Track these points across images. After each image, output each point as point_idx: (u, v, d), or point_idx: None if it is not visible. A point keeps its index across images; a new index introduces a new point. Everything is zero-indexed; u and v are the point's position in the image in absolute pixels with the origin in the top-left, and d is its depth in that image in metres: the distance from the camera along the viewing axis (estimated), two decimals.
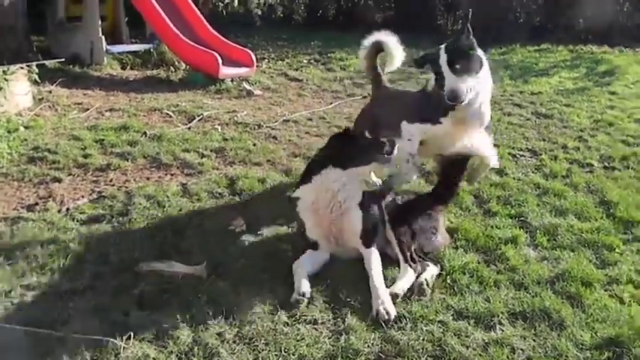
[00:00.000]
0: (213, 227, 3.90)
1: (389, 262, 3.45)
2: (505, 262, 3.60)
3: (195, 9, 9.21)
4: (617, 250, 3.81)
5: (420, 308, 3.06)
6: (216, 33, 8.96)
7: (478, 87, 3.60)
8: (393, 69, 4.60)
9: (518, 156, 5.66)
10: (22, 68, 6.34)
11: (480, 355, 2.74)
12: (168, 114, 6.50)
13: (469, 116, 3.73)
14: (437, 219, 3.79)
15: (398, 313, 3.01)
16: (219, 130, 6.04)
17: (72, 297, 3.08)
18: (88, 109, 6.48)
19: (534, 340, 2.87)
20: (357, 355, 2.71)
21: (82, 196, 4.32)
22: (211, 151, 5.38)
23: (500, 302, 3.15)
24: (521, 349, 2.80)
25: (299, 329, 2.88)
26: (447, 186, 4.03)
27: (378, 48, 4.50)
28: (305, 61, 10.21)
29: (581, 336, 2.91)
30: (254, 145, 5.62)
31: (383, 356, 2.71)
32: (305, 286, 3.12)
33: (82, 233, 3.72)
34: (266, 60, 10.10)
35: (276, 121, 6.41)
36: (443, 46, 3.60)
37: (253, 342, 2.77)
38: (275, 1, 13.11)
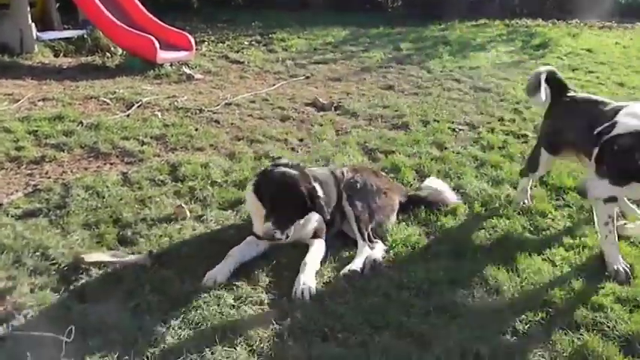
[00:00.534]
0: (156, 215, 3.85)
1: (345, 240, 3.56)
2: (445, 232, 3.72)
3: None
4: (549, 215, 4.01)
5: (364, 282, 3.14)
6: (152, 16, 8.72)
7: None
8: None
9: (457, 130, 5.81)
10: None
11: (422, 323, 2.84)
12: (105, 102, 6.30)
13: None
14: (393, 198, 3.87)
15: (342, 287, 3.08)
16: (160, 116, 5.91)
17: (10, 294, 2.98)
18: (19, 100, 6.20)
19: (473, 306, 3.00)
20: (304, 332, 2.76)
21: (17, 191, 4.16)
22: (152, 138, 5.28)
23: (440, 271, 3.26)
24: (461, 315, 2.92)
25: (245, 311, 2.91)
26: None
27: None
28: (246, 42, 10.08)
29: (517, 299, 3.06)
30: (196, 130, 5.54)
31: (329, 331, 2.77)
32: (221, 276, 3.12)
33: (17, 229, 3.59)
34: (206, 43, 9.91)
35: (217, 105, 6.33)
36: None
37: (199, 326, 2.77)
38: None
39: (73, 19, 9.95)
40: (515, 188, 4.35)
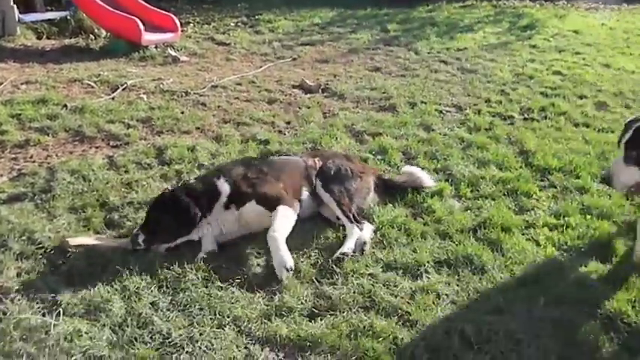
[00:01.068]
0: (142, 199, 3.83)
1: (326, 222, 3.60)
2: (431, 214, 3.75)
3: None
4: (534, 196, 4.05)
5: (351, 263, 3.18)
6: None
7: None
8: None
9: (444, 112, 5.82)
10: None
11: (408, 302, 2.88)
12: (89, 84, 6.23)
13: None
14: (368, 180, 3.89)
15: (330, 269, 3.11)
16: (145, 99, 5.86)
17: None
18: (1, 83, 6.11)
19: (458, 285, 3.05)
20: (291, 312, 2.79)
21: (1, 175, 4.13)
22: (137, 121, 5.24)
23: (426, 252, 3.30)
24: (446, 294, 2.96)
25: (233, 292, 2.93)
26: None
27: None
28: (232, 24, 9.97)
29: (501, 278, 3.11)
30: (182, 112, 5.50)
31: (316, 311, 2.80)
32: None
33: (2, 213, 3.57)
34: (191, 24, 9.79)
35: (204, 88, 6.28)
36: None
37: (187, 308, 2.80)
38: None
39: (57, 1, 9.77)
40: (500, 169, 4.39)
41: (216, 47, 8.46)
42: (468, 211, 3.83)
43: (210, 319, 2.73)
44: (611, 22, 11.08)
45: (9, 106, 5.38)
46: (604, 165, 4.39)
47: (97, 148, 4.70)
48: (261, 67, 7.39)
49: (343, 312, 2.80)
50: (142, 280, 2.97)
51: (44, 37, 8.48)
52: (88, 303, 2.79)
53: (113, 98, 5.84)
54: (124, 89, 6.11)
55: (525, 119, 5.66)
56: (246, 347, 2.57)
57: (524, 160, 4.62)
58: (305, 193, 3.68)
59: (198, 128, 5.19)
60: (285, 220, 3.33)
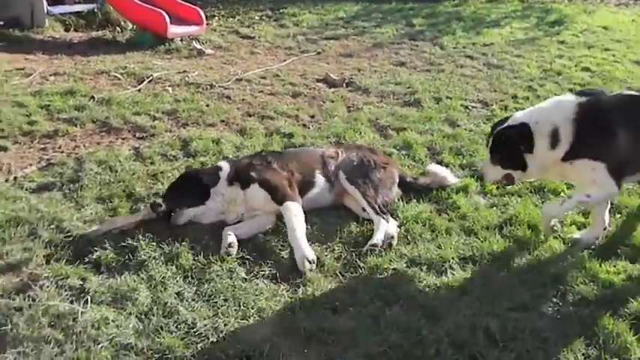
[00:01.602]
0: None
1: (350, 216, 3.60)
2: (456, 210, 3.73)
3: None
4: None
5: (375, 258, 3.17)
6: None
7: None
8: None
9: (470, 107, 5.76)
10: None
11: (432, 298, 2.86)
12: (116, 76, 6.30)
13: None
14: (392, 171, 3.87)
15: (353, 263, 3.11)
16: (171, 91, 5.91)
17: (26, 266, 3.04)
18: (30, 75, 6.22)
19: (483, 282, 3.01)
20: (315, 305, 2.79)
21: (30, 165, 4.21)
22: (163, 113, 5.28)
23: (451, 248, 3.28)
24: (471, 290, 2.93)
25: (257, 284, 2.94)
26: None
27: None
28: (257, 17, 9.99)
29: (527, 275, 3.06)
30: (207, 105, 5.54)
31: (340, 305, 2.79)
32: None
33: (32, 202, 3.64)
34: (216, 18, 9.83)
35: (228, 81, 6.31)
36: None
37: (212, 299, 2.82)
38: None
39: None
40: None
41: (240, 40, 8.49)
42: (494, 207, 3.79)
43: (235, 310, 2.75)
44: None
45: (38, 97, 5.47)
46: None
47: (123, 139, 4.76)
48: (285, 60, 7.39)
49: (367, 306, 2.79)
50: (168, 270, 3.01)
51: (72, 29, 8.60)
52: (115, 291, 2.83)
53: (139, 90, 5.90)
54: (149, 81, 6.17)
55: None
56: (270, 339, 2.57)
57: None
58: (319, 178, 3.71)
59: (223, 121, 5.22)
60: (297, 216, 3.34)
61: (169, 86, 6.07)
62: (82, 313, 2.67)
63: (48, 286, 2.85)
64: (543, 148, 3.18)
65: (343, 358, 2.50)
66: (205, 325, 2.63)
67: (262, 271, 3.05)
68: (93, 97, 5.50)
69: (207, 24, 8.56)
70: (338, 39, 8.65)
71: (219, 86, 6.13)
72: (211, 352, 2.49)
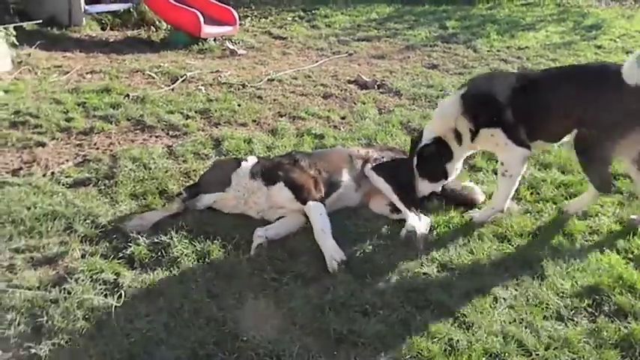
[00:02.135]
0: None
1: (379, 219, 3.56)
2: None
3: None
4: (598, 202, 3.88)
5: (405, 262, 3.14)
6: None
7: None
8: None
9: None
10: None
11: (463, 304, 2.82)
12: (150, 75, 6.40)
13: None
14: None
15: (384, 266, 3.09)
16: (204, 90, 5.97)
17: (62, 259, 3.11)
18: (68, 72, 6.36)
19: (516, 290, 2.96)
20: (345, 307, 2.78)
21: (67, 160, 4.30)
22: (196, 112, 5.34)
23: (483, 254, 3.23)
24: (504, 298, 2.89)
25: (287, 284, 2.94)
26: None
27: None
28: (289, 18, 10.03)
29: (562, 285, 3.00)
30: (239, 105, 5.58)
31: (369, 308, 2.78)
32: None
33: (68, 197, 3.71)
34: (249, 18, 9.90)
35: (260, 81, 6.35)
36: None
37: (242, 297, 2.83)
38: None
39: None
40: (563, 173, 4.25)
41: (273, 41, 8.54)
42: (528, 214, 3.72)
43: (265, 309, 2.76)
44: None
45: (75, 94, 5.59)
46: None
47: (157, 137, 4.83)
48: (317, 61, 7.40)
49: (397, 310, 2.77)
50: (199, 267, 3.03)
51: (108, 28, 8.76)
52: (148, 287, 2.87)
53: (173, 89, 5.98)
54: (183, 81, 6.24)
55: None
56: (299, 339, 2.57)
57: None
58: (346, 176, 3.71)
59: (255, 121, 5.25)
60: (322, 215, 3.34)
61: (202, 85, 6.13)
62: (115, 307, 2.72)
63: (83, 280, 2.91)
64: (456, 148, 3.64)
65: None
66: (235, 323, 2.65)
67: (292, 271, 3.05)
68: (128, 96, 5.60)
69: (240, 24, 8.63)
70: (370, 40, 8.63)
71: (251, 86, 6.17)
72: (241, 351, 2.50)
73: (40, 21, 8.06)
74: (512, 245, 3.34)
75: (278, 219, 3.50)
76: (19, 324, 2.61)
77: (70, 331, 2.59)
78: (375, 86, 6.33)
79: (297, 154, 3.84)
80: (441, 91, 6.18)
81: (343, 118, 5.43)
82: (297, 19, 10.01)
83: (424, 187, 3.70)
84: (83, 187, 3.90)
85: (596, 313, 2.82)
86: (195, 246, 3.21)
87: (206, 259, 3.11)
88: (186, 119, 5.16)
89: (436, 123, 3.72)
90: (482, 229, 3.51)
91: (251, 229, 3.36)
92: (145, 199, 3.77)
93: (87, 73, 6.43)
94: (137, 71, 6.55)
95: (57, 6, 8.40)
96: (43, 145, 4.54)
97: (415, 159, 3.71)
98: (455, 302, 2.83)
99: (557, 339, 2.61)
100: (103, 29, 8.71)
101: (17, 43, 6.66)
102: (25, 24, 7.75)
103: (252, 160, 3.73)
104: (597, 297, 2.92)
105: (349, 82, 6.51)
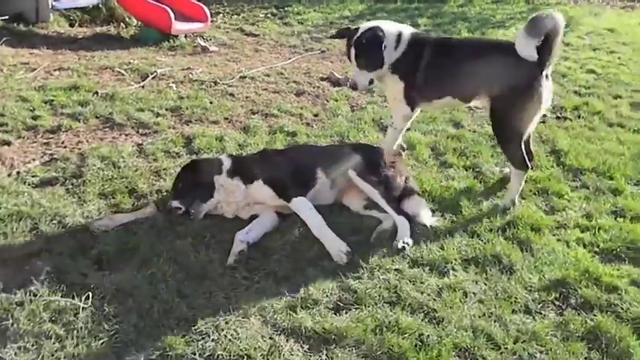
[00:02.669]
0: (170, 187, 3.85)
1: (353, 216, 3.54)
2: (459, 211, 3.70)
3: None
4: (565, 196, 3.97)
5: (377, 258, 3.15)
6: None
7: None
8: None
9: (474, 108, 5.72)
10: None
11: (434, 299, 2.85)
12: (120, 72, 6.29)
13: None
14: (401, 169, 3.85)
15: (356, 263, 3.09)
16: (174, 88, 5.90)
17: (27, 260, 3.04)
18: (35, 69, 6.21)
19: (485, 284, 3.01)
20: (316, 304, 2.78)
21: (33, 159, 4.20)
22: (166, 109, 5.27)
23: (453, 249, 3.26)
24: (473, 293, 2.93)
25: (258, 282, 2.93)
26: None
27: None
28: (261, 15, 9.96)
29: (530, 278, 3.06)
30: (210, 102, 5.52)
31: (341, 304, 2.79)
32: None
33: (34, 197, 3.63)
34: (221, 15, 9.80)
35: (232, 78, 6.30)
36: None
37: (213, 296, 2.81)
38: None
39: None
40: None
41: (245, 38, 8.47)
42: (497, 209, 3.77)
43: (235, 307, 2.74)
44: None
45: (42, 91, 5.46)
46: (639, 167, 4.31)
47: (126, 135, 4.75)
48: (289, 58, 7.37)
49: (368, 306, 2.79)
50: (169, 267, 3.00)
51: (76, 24, 8.55)
52: (117, 287, 2.83)
53: (143, 87, 5.89)
54: (153, 78, 6.16)
55: (558, 118, 5.54)
56: (271, 337, 2.57)
57: (556, 159, 4.53)
58: (321, 175, 3.67)
59: (227, 118, 5.21)
60: (311, 209, 3.33)
61: (173, 83, 6.05)
62: (83, 308, 2.67)
63: (49, 281, 2.85)
64: (390, 47, 3.71)
65: (345, 358, 2.49)
66: (206, 323, 2.63)
67: (264, 269, 3.04)
68: (97, 93, 5.49)
69: (211, 21, 8.54)
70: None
71: (223, 84, 6.11)
72: (212, 350, 2.49)
73: (6, 17, 7.86)
74: (482, 240, 3.38)
75: (251, 217, 3.47)
76: None
77: (36, 333, 2.54)
78: (348, 83, 6.33)
79: (270, 150, 3.82)
80: None
81: (316, 115, 5.42)
82: (269, 15, 9.95)
83: (362, 78, 3.79)
84: (50, 186, 3.82)
85: (563, 306, 2.88)
86: (164, 245, 3.17)
87: (176, 259, 3.07)
88: (157, 117, 5.09)
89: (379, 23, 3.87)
90: (452, 224, 3.55)
91: (221, 228, 3.34)
92: (114, 198, 3.70)
93: (54, 70, 6.29)
94: (106, 68, 6.43)
95: (24, 2, 8.18)
96: (8, 143, 4.42)
97: (353, 49, 3.76)
98: (425, 298, 2.86)
99: (525, 332, 2.66)
100: (71, 26, 8.52)
101: None
102: None
103: (226, 159, 3.71)
104: (564, 290, 2.98)
105: (322, 79, 6.50)
